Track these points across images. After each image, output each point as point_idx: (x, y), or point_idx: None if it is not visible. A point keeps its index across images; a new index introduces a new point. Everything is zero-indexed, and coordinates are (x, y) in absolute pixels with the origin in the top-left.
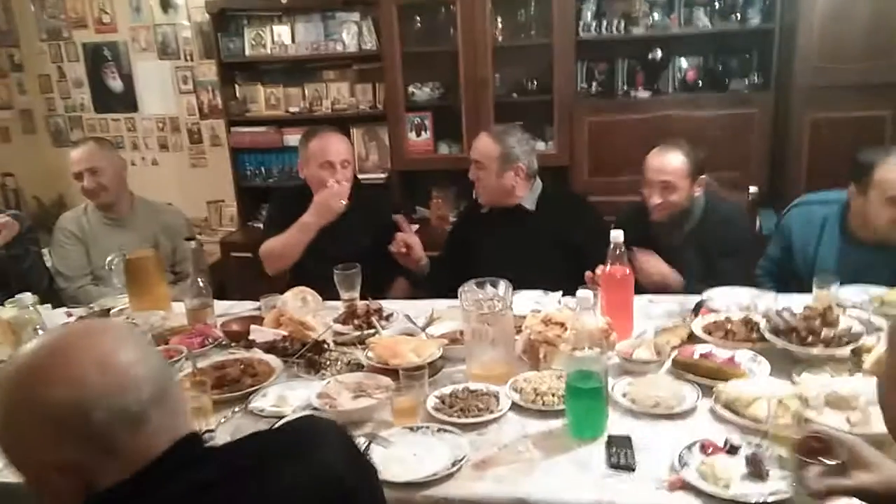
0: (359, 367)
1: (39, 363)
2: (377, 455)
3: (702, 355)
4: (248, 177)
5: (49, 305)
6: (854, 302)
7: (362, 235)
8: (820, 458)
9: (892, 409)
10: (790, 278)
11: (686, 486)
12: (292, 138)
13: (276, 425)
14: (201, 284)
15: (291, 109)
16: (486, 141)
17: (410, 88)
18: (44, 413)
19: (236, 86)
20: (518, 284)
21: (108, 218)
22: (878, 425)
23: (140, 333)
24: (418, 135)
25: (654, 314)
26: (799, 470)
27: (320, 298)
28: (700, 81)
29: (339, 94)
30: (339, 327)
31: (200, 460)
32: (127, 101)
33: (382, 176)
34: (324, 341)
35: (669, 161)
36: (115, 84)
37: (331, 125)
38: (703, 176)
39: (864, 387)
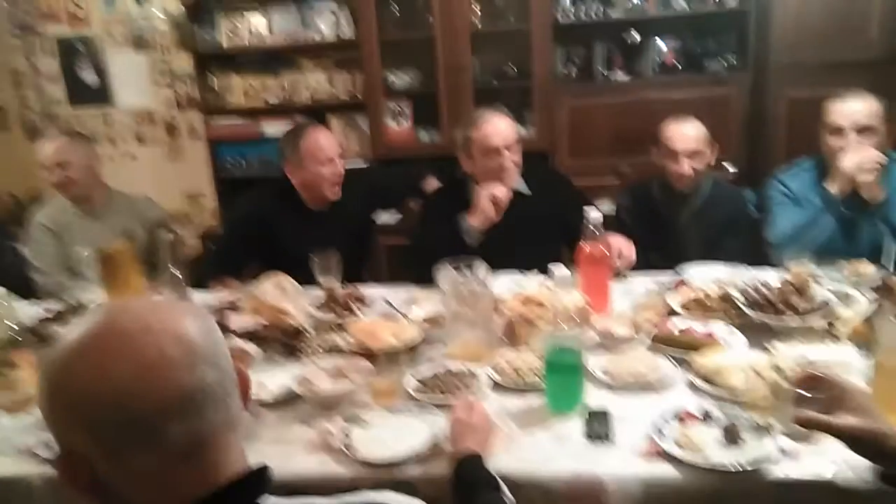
0: (338, 351)
1: (86, 346)
2: (356, 436)
3: (680, 331)
4: (227, 168)
5: (25, 302)
6: (829, 274)
7: (358, 214)
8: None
9: None
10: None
11: (663, 455)
12: (271, 128)
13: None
14: (175, 275)
15: (269, 99)
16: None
17: (389, 76)
18: (70, 397)
19: (213, 77)
20: (521, 266)
21: (82, 211)
22: None
23: (203, 336)
24: (398, 123)
25: (633, 291)
26: (790, 401)
27: (299, 286)
28: (678, 63)
29: (317, 83)
30: (317, 313)
31: None
32: (102, 95)
33: (363, 166)
34: (302, 327)
35: (692, 129)
36: (90, 78)
37: (309, 115)
38: (716, 144)
39: (836, 354)
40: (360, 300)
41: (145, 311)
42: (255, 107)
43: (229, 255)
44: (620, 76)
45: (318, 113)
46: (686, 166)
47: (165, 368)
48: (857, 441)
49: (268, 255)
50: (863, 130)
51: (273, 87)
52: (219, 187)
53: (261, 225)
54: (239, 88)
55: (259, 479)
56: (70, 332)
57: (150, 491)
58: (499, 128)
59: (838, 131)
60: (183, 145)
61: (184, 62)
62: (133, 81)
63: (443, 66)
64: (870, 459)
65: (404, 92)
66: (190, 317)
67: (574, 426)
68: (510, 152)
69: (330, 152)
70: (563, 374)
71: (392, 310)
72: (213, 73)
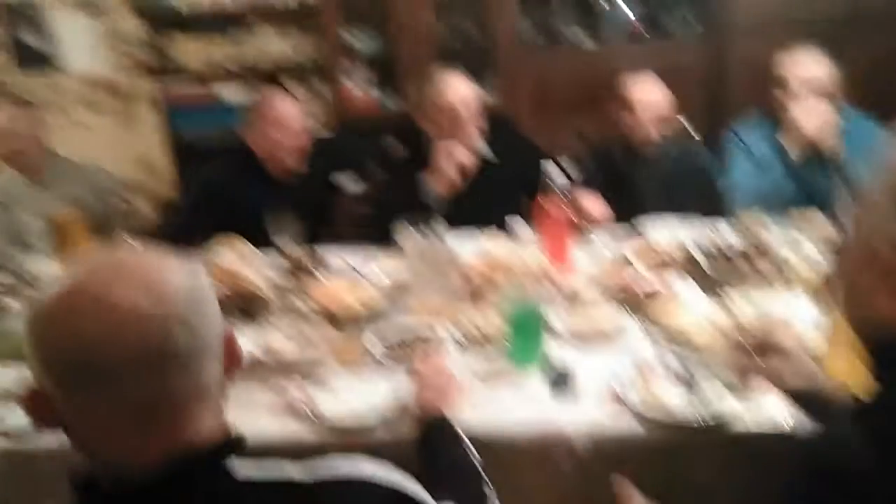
0: (300, 316)
1: (65, 291)
2: (320, 399)
3: (640, 286)
4: (184, 136)
5: None
6: (782, 227)
7: (323, 183)
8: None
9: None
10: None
11: (623, 406)
12: (229, 94)
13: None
14: (130, 243)
15: (226, 65)
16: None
17: (349, 38)
18: (40, 339)
19: (166, 41)
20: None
21: (30, 181)
22: (803, 336)
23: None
24: (359, 88)
25: (594, 248)
26: (741, 363)
27: (257, 250)
28: (640, 24)
29: (275, 48)
30: (278, 278)
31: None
32: (50, 61)
33: (327, 134)
34: (262, 292)
35: (657, 92)
36: (37, 43)
37: (268, 80)
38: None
39: (791, 307)
40: (322, 264)
41: (132, 262)
42: (212, 72)
43: (190, 226)
44: (584, 39)
45: (276, 78)
46: (651, 130)
47: (133, 322)
48: (797, 395)
49: (229, 224)
50: (814, 88)
51: (230, 52)
52: (176, 156)
53: (222, 194)
54: (194, 53)
55: (228, 444)
56: (62, 277)
57: (110, 444)
58: (457, 89)
59: (788, 87)
60: (137, 113)
61: (136, 26)
62: (83, 46)
63: (404, 29)
64: (812, 419)
65: (365, 56)
66: (177, 274)
67: (537, 381)
68: (470, 114)
69: (292, 121)
70: (526, 330)
71: (354, 273)
72: (167, 37)
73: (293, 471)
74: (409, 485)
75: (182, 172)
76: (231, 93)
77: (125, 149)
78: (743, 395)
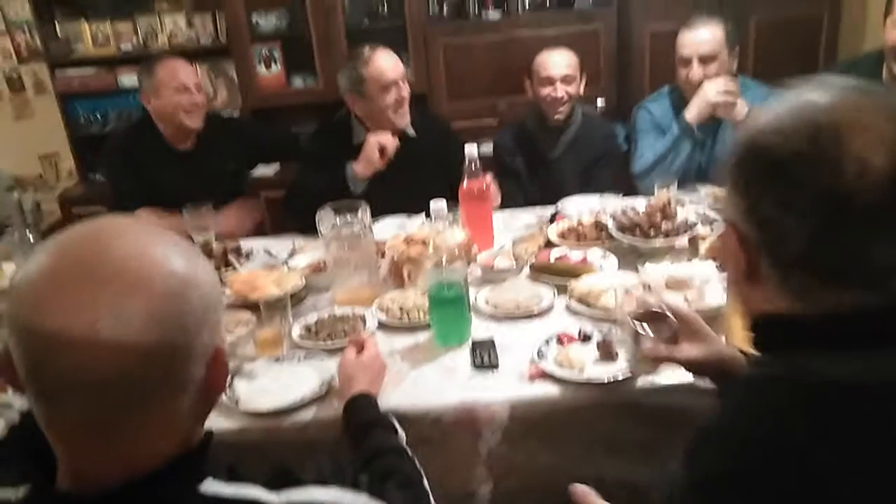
0: None
1: (39, 274)
2: (241, 388)
3: (557, 258)
4: (82, 125)
5: None
6: (691, 198)
7: (227, 161)
8: (654, 327)
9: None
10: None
11: (545, 376)
12: (127, 79)
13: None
14: (30, 238)
15: (123, 47)
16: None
17: (254, 17)
18: (13, 320)
19: (56, 23)
20: (405, 210)
21: None
22: (711, 301)
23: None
24: (268, 68)
25: (513, 226)
26: (636, 338)
27: None
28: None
29: (175, 27)
30: None
31: None
32: None
33: (236, 116)
34: None
35: (563, 55)
36: None
37: None
38: (585, 72)
39: (699, 270)
40: (238, 253)
41: (119, 260)
42: (108, 55)
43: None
44: (492, 14)
45: None
46: (559, 90)
47: (104, 347)
48: (700, 367)
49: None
50: (705, 59)
51: (126, 33)
52: (76, 146)
53: (137, 173)
54: (87, 35)
55: (199, 458)
56: (48, 247)
57: (65, 450)
58: (391, 61)
59: (687, 62)
60: (30, 102)
61: (22, 7)
62: None
63: (311, 5)
64: (712, 381)
65: (272, 34)
66: (171, 283)
67: (462, 358)
68: (404, 84)
69: (186, 79)
70: (448, 308)
71: (274, 260)
72: (57, 19)
73: (263, 495)
74: None
75: (84, 164)
76: (129, 78)
77: (22, 142)
78: (641, 369)
